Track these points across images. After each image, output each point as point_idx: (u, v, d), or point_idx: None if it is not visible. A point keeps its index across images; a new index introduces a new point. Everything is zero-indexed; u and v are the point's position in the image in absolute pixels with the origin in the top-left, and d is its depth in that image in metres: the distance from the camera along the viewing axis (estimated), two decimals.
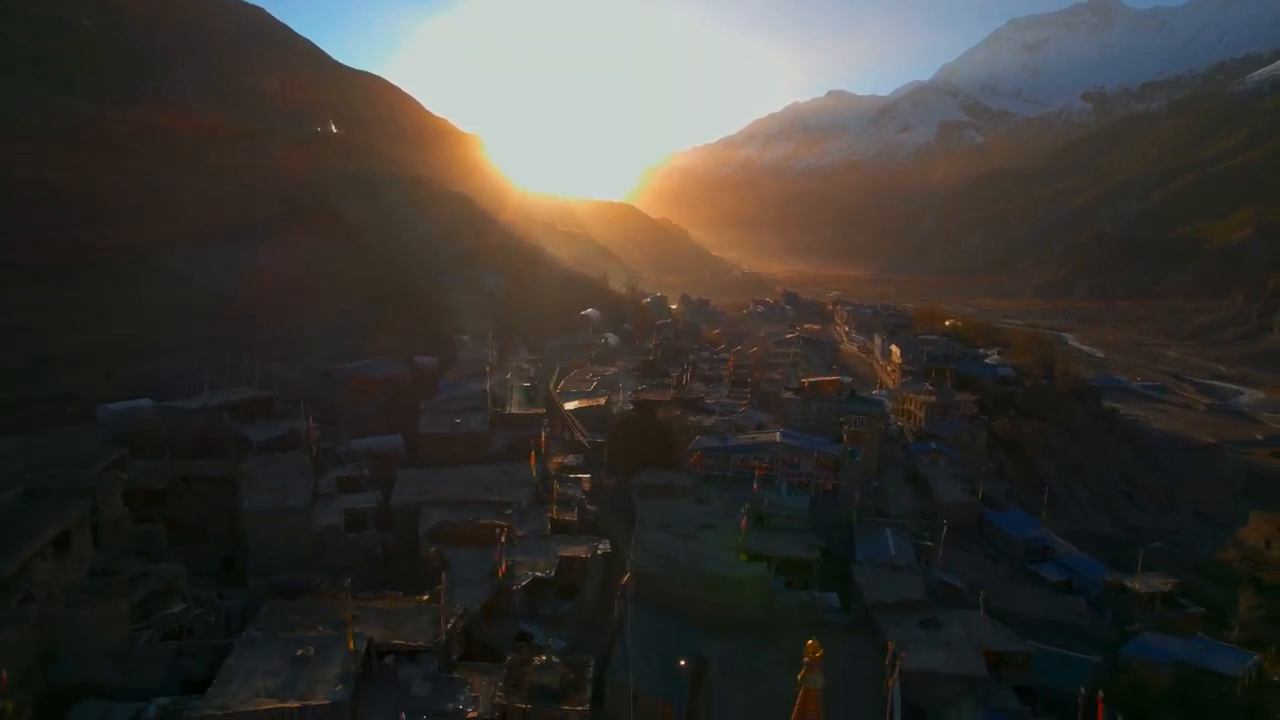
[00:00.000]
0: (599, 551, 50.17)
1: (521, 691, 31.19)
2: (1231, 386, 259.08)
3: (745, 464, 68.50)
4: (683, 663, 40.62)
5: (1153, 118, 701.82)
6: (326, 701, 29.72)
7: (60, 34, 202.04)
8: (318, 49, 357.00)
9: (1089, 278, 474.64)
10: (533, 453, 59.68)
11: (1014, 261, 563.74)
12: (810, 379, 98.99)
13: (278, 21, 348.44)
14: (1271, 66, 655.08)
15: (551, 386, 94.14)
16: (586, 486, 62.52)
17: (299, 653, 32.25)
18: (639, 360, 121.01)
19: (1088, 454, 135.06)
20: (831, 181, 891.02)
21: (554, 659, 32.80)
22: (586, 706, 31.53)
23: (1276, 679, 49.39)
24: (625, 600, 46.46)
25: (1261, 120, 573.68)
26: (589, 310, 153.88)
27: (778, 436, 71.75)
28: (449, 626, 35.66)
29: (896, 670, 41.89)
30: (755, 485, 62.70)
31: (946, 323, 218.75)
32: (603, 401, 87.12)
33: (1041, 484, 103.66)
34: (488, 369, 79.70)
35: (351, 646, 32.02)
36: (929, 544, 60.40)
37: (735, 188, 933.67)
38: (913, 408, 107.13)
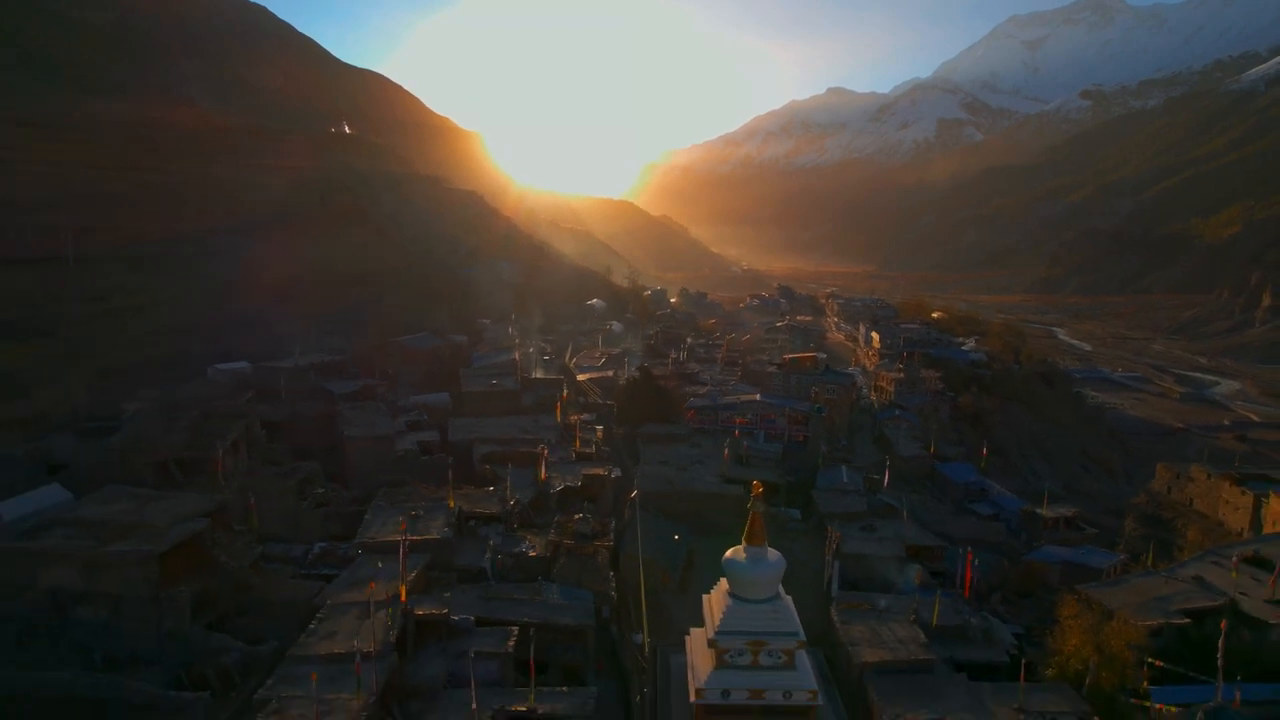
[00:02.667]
0: (613, 475, 65.79)
1: (567, 534, 46.93)
2: (1209, 377, 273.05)
3: (730, 419, 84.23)
4: (676, 538, 56.56)
5: (1149, 115, 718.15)
6: (438, 537, 45.51)
7: (68, 30, 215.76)
8: (319, 46, 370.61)
9: (1081, 274, 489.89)
10: (557, 404, 75.41)
11: (1010, 257, 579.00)
12: (790, 355, 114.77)
13: (280, 19, 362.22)
14: (1267, 65, 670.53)
15: (566, 361, 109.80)
16: (599, 435, 78.04)
17: (412, 513, 47.99)
18: (641, 343, 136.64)
19: (1048, 429, 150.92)
20: (831, 178, 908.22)
21: (588, 517, 48.49)
22: (612, 543, 47.29)
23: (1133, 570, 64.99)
24: (633, 508, 62.37)
25: (1255, 118, 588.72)
26: (594, 300, 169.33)
27: (758, 397, 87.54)
28: (511, 504, 51.45)
29: (835, 548, 57.94)
30: (736, 433, 78.43)
31: (934, 314, 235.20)
32: (611, 374, 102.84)
33: (998, 450, 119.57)
34: (516, 341, 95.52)
35: (452, 505, 47.79)
36: (876, 478, 76.26)
37: (735, 185, 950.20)
38: (884, 383, 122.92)
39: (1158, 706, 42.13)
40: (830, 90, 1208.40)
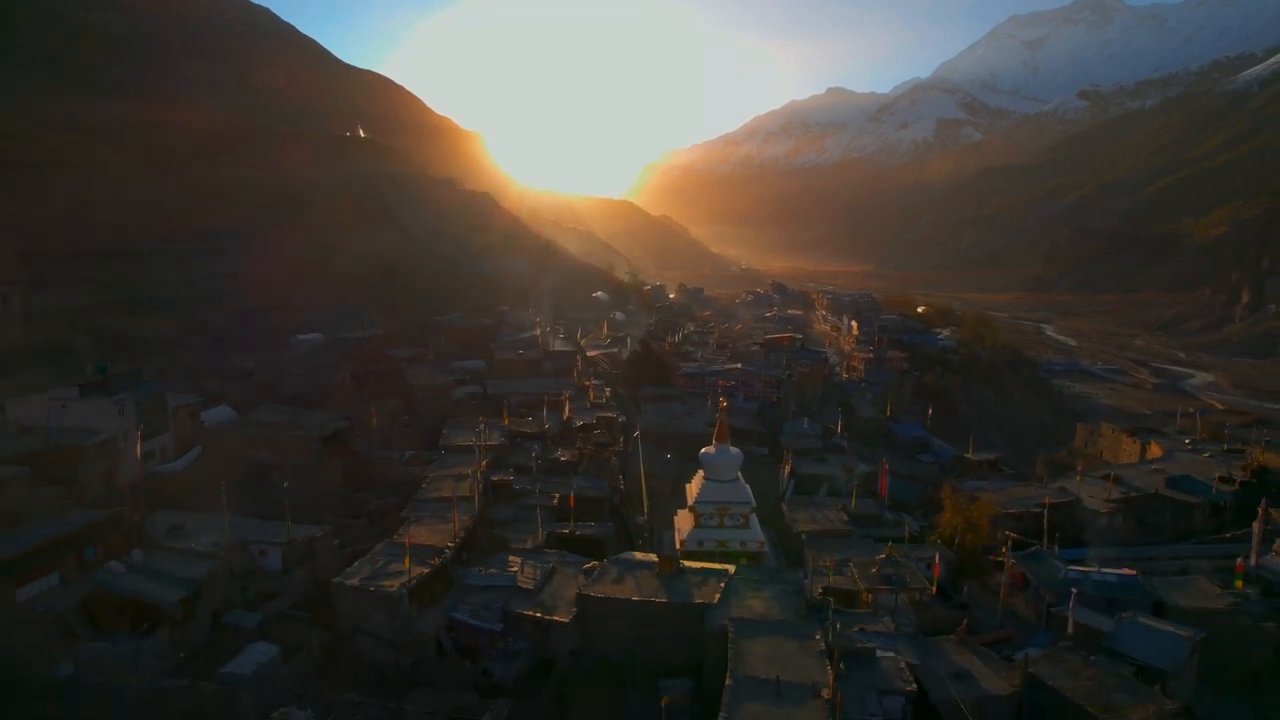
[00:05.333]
0: (620, 419, 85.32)
1: (589, 445, 66.47)
2: (1185, 370, 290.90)
3: (715, 383, 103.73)
4: (669, 456, 76.14)
5: (1146, 115, 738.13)
6: (497, 442, 65.09)
7: (72, 32, 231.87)
8: (320, 47, 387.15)
9: (1074, 272, 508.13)
10: (574, 368, 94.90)
11: (1007, 257, 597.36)
12: (771, 335, 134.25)
13: (281, 20, 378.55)
14: (1262, 65, 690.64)
15: (577, 339, 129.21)
16: (608, 394, 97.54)
17: (478, 429, 67.43)
18: (642, 330, 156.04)
19: (1010, 409, 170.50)
20: (830, 178, 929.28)
21: (604, 432, 68.03)
22: (621, 451, 66.84)
23: None
24: (636, 442, 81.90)
25: (1249, 118, 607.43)
26: (598, 293, 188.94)
27: (739, 366, 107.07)
28: (545, 427, 71.07)
29: (790, 469, 77.48)
30: (719, 393, 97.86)
31: (919, 309, 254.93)
32: (616, 350, 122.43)
33: (959, 423, 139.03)
34: (537, 320, 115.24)
35: (506, 422, 67.35)
36: (833, 427, 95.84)
37: (735, 184, 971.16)
38: (856, 363, 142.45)
39: (1008, 562, 61.60)
40: (830, 90, 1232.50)
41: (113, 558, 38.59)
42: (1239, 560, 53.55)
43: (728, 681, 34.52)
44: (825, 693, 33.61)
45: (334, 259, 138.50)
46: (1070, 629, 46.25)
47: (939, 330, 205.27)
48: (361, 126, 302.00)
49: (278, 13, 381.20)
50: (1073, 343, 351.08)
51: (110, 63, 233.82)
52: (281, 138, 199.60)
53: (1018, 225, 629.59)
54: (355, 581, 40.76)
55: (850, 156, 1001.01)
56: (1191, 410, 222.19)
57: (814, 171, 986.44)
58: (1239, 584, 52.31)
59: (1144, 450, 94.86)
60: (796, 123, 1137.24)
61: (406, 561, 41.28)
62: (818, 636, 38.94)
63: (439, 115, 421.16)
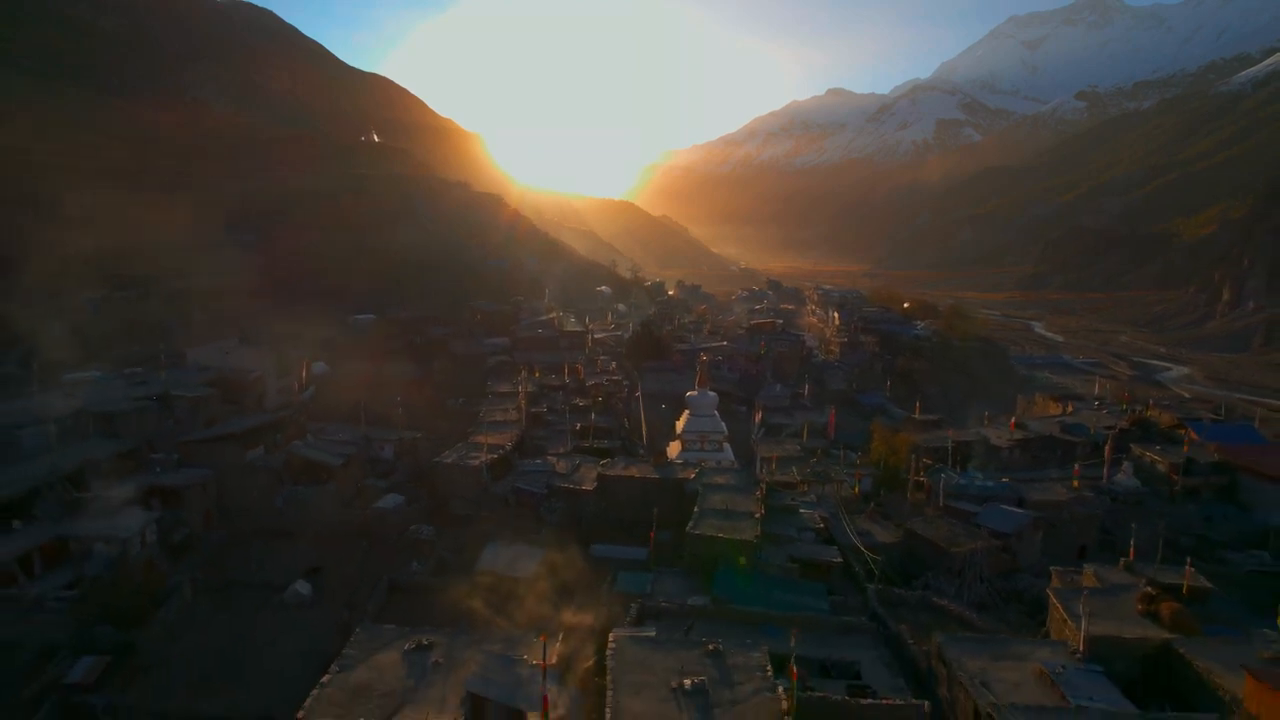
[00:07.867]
0: (625, 382, 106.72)
1: (600, 393, 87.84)
2: (1163, 364, 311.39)
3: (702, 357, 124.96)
4: (664, 406, 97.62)
5: (1143, 116, 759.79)
6: (530, 390, 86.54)
7: (81, 35, 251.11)
8: (325, 50, 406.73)
9: (1067, 271, 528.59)
10: (585, 344, 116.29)
11: (1003, 256, 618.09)
12: (756, 320, 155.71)
13: (286, 23, 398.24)
14: (1257, 67, 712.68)
15: (585, 324, 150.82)
16: (614, 366, 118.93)
17: (518, 383, 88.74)
18: (643, 317, 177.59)
19: (978, 391, 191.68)
20: (830, 178, 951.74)
21: (612, 383, 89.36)
22: (627, 400, 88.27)
23: None
24: (638, 402, 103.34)
25: (1243, 119, 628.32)
26: (602, 288, 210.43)
27: (724, 344, 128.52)
28: (566, 381, 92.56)
29: (761, 418, 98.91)
30: (706, 364, 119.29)
31: (905, 304, 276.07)
32: (620, 334, 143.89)
33: (926, 401, 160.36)
34: (551, 306, 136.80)
35: (537, 374, 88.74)
36: (799, 392, 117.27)
37: (735, 184, 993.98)
38: (833, 347, 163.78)
39: (915, 475, 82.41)
40: (830, 91, 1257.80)
41: (292, 440, 59.86)
42: (1075, 467, 74.75)
43: (695, 510, 55.69)
44: (756, 514, 54.80)
45: (364, 253, 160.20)
46: (940, 502, 67.55)
47: (918, 322, 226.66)
48: (374, 130, 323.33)
49: (280, 14, 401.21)
50: (1059, 338, 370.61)
51: (121, 66, 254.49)
52: (301, 141, 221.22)
53: (1014, 225, 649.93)
54: (449, 460, 62.09)
55: (850, 157, 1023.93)
56: (1162, 398, 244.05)
57: (814, 171, 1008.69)
58: (1075, 483, 73.65)
59: (1064, 410, 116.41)
60: (796, 123, 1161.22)
61: (485, 449, 62.60)
62: (757, 493, 60.14)
63: (442, 117, 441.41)
